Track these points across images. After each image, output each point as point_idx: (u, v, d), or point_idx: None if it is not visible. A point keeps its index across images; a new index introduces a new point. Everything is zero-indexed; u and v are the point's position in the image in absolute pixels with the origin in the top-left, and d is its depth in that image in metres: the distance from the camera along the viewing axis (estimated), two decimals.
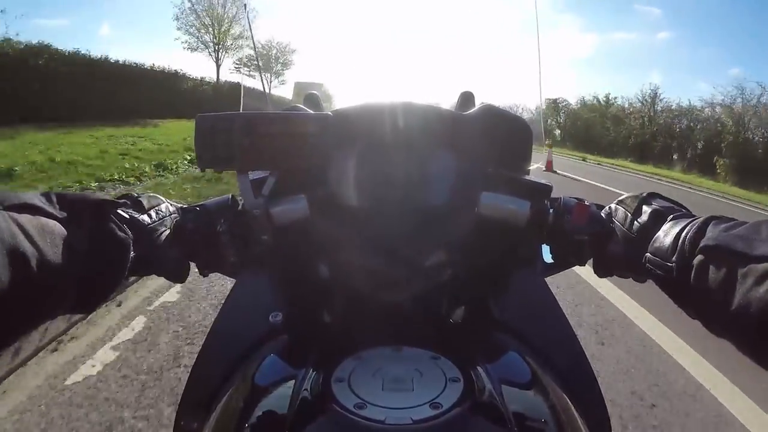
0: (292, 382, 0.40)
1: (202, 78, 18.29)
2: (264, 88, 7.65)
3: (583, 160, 17.91)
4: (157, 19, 41.51)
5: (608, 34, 50.18)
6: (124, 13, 40.47)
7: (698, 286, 0.36)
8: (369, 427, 0.34)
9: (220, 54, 20.14)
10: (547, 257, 0.55)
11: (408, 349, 0.44)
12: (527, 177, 0.57)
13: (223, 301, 0.55)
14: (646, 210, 0.45)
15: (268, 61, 25.53)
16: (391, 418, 0.35)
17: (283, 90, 28.14)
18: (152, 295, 2.56)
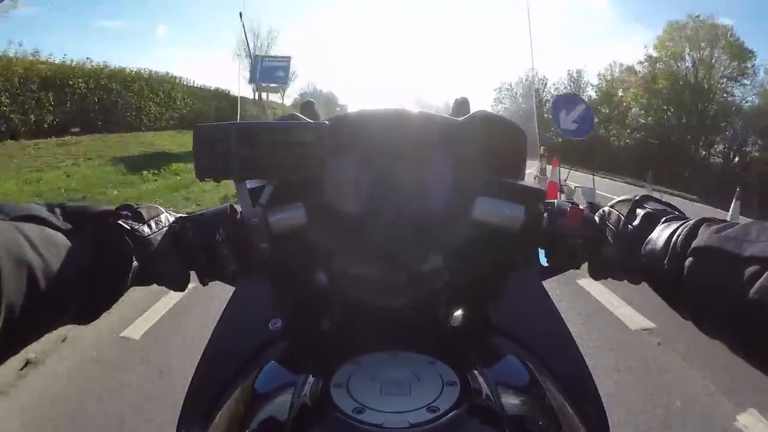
0: (292, 388, 0.40)
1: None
2: (260, 97, 7.97)
3: None
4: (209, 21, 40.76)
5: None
6: (179, 14, 39.55)
7: (689, 288, 0.36)
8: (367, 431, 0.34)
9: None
10: (543, 261, 0.55)
11: (405, 354, 0.44)
12: (522, 182, 0.57)
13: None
14: (639, 213, 0.45)
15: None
16: (388, 422, 0.35)
17: (288, 101, 28.56)
18: None
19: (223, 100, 16.61)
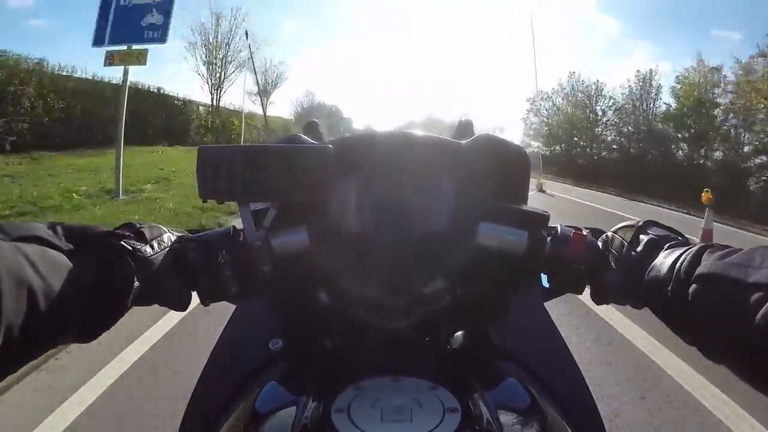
0: (293, 410, 0.40)
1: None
2: (264, 112, 7.63)
3: None
4: None
5: (682, 62, 41.51)
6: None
7: (694, 314, 0.37)
8: None
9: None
10: (545, 283, 0.55)
11: (407, 379, 0.44)
12: (525, 206, 0.57)
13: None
14: (643, 239, 0.45)
15: (265, 87, 25.88)
16: None
17: (273, 108, 28.22)
18: None
19: (135, 98, 11.38)
